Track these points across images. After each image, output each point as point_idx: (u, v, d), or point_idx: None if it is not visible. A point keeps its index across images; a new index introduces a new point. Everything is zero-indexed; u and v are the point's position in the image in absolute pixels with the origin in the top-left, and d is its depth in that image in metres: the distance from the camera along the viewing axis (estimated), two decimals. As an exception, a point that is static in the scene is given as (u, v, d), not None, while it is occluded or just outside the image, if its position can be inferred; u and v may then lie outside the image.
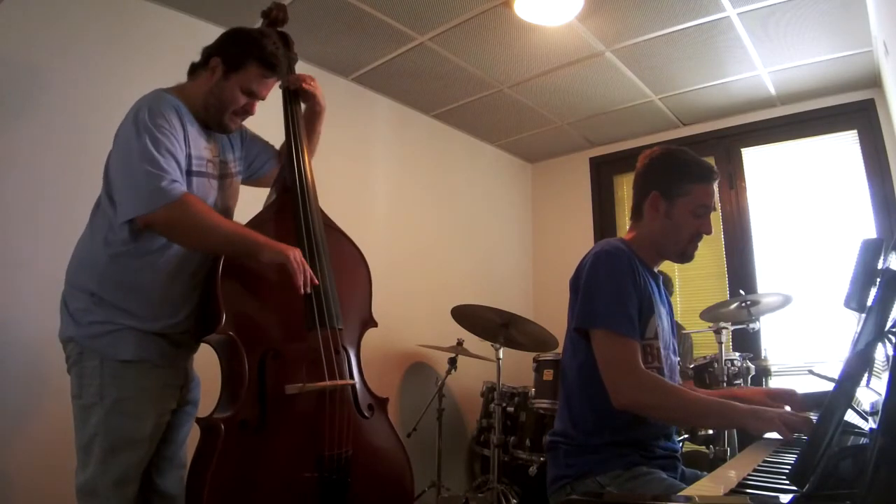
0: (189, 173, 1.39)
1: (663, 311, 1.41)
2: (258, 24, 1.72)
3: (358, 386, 1.55)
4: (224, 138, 1.58)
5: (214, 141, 1.53)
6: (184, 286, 1.43)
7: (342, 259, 1.59)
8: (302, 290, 1.39)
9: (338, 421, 1.42)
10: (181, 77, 1.52)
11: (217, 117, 1.48)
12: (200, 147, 1.45)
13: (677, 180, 1.37)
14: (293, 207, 1.54)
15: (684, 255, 1.41)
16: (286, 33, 1.69)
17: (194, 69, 1.50)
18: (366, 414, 1.54)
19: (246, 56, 1.45)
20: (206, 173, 1.46)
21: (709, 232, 1.39)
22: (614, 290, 1.26)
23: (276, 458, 1.34)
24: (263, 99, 1.54)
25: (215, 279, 1.38)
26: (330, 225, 1.64)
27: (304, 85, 1.68)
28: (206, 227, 1.32)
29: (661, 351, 1.33)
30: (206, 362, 1.53)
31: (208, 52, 1.48)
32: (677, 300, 3.48)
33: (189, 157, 1.39)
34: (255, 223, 1.48)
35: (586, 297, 1.28)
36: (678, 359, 1.47)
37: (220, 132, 1.54)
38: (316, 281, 1.45)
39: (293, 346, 1.44)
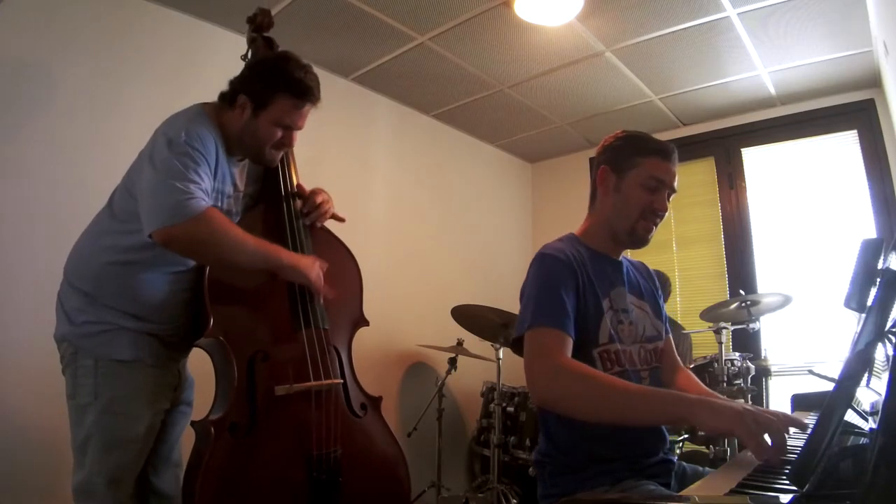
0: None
1: (628, 300, 1.32)
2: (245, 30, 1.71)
3: (349, 385, 1.55)
4: (250, 167, 1.56)
5: (241, 174, 1.52)
6: (181, 296, 1.43)
7: (329, 258, 1.58)
8: (332, 295, 1.48)
9: (325, 421, 1.42)
10: (179, 77, 1.52)
11: (256, 155, 1.46)
12: (226, 182, 1.44)
13: (628, 154, 1.31)
14: (276, 211, 1.54)
15: (634, 234, 1.29)
16: (271, 38, 1.68)
17: (223, 99, 1.45)
18: (358, 413, 1.54)
19: (272, 90, 1.39)
20: (227, 210, 1.45)
21: (662, 209, 1.29)
22: (543, 290, 1.19)
23: (267, 459, 1.34)
24: (300, 129, 1.49)
25: (203, 283, 1.38)
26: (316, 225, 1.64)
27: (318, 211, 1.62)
28: (229, 244, 1.29)
29: (624, 352, 1.24)
30: (202, 364, 1.53)
31: (234, 88, 1.44)
32: (677, 300, 3.49)
33: (214, 190, 1.38)
34: (244, 223, 1.46)
35: (521, 305, 1.23)
36: (659, 343, 1.35)
37: (260, 165, 1.52)
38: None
39: (281, 347, 1.44)
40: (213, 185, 1.36)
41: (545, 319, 1.14)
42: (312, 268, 1.42)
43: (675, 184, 1.32)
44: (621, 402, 1.01)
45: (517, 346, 1.18)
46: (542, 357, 1.10)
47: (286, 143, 1.47)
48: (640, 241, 1.31)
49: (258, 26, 1.67)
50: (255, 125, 1.41)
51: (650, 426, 1.02)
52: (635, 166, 1.29)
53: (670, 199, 1.32)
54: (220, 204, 1.41)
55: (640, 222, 1.29)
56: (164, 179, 1.24)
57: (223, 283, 1.40)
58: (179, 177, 1.24)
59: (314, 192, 1.62)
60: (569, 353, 1.12)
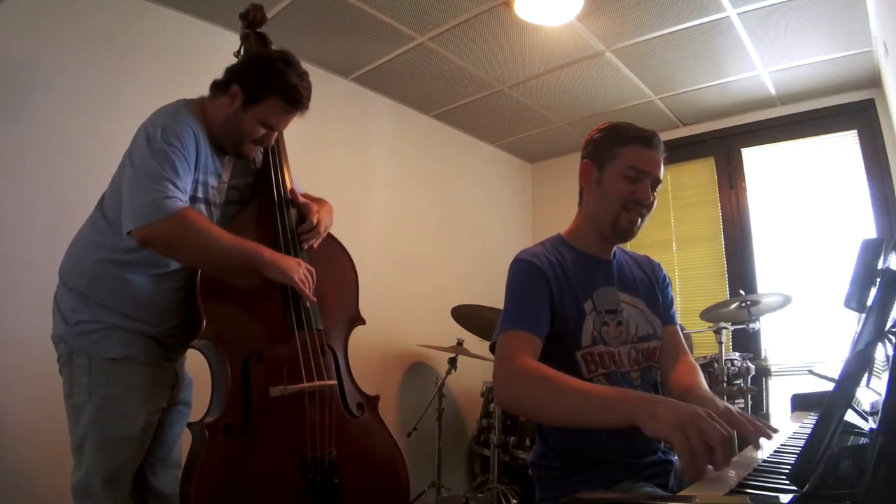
0: (193, 199, 1.38)
1: (619, 299, 1.27)
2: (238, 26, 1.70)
3: (345, 384, 1.54)
4: (239, 162, 1.55)
5: (227, 165, 1.51)
6: (173, 295, 1.42)
7: (324, 258, 1.57)
8: (312, 300, 1.46)
9: (320, 422, 1.42)
10: (178, 78, 1.51)
11: (234, 146, 1.46)
12: (209, 173, 1.43)
13: (607, 145, 1.26)
14: (270, 211, 1.53)
15: (618, 227, 1.24)
16: (264, 34, 1.68)
17: (216, 87, 1.46)
18: (355, 413, 1.54)
19: (267, 89, 1.40)
20: (210, 201, 1.45)
21: (645, 198, 1.23)
22: (513, 296, 1.18)
23: (262, 461, 1.34)
24: (281, 131, 1.51)
25: (195, 284, 1.37)
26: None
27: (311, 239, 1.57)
28: (204, 242, 1.29)
29: (610, 353, 1.20)
30: (201, 364, 1.53)
31: (229, 77, 1.44)
32: (677, 300, 3.49)
33: (195, 182, 1.38)
34: (234, 228, 1.44)
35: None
36: (653, 342, 1.29)
37: (236, 158, 1.52)
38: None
39: (275, 348, 1.43)
40: (193, 177, 1.36)
41: (511, 323, 1.13)
42: (296, 269, 1.41)
43: (660, 173, 1.26)
44: (575, 405, 0.95)
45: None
46: (502, 360, 1.09)
47: (265, 142, 1.49)
48: (624, 233, 1.26)
49: (251, 22, 1.66)
50: (242, 117, 1.41)
51: (605, 429, 0.92)
52: (615, 157, 1.24)
53: (656, 190, 1.27)
54: (202, 194, 1.41)
55: (623, 214, 1.24)
56: (140, 179, 1.25)
57: (215, 285, 1.39)
58: (155, 176, 1.25)
59: (311, 211, 1.58)
60: (534, 353, 1.10)
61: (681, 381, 1.25)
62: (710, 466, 0.75)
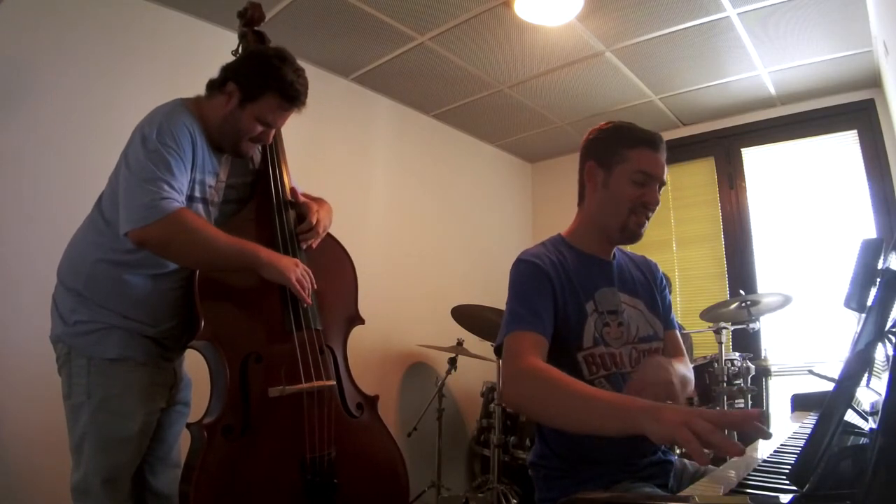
0: (191, 199, 1.37)
1: (619, 299, 1.27)
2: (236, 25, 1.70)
3: (345, 385, 1.54)
4: (237, 161, 1.54)
5: (224, 164, 1.50)
6: (171, 296, 1.42)
7: (323, 258, 1.57)
8: (308, 303, 1.44)
9: (319, 423, 1.41)
10: (177, 78, 1.51)
11: (232, 145, 1.46)
12: (207, 172, 1.43)
13: (614, 146, 1.25)
14: (268, 211, 1.53)
15: (626, 230, 1.25)
16: (262, 32, 1.68)
17: (212, 86, 1.45)
18: (354, 413, 1.53)
19: (263, 87, 1.39)
20: (208, 200, 1.44)
21: (653, 202, 1.23)
22: (517, 297, 1.18)
23: (261, 463, 1.33)
24: (279, 128, 1.51)
25: (193, 285, 1.37)
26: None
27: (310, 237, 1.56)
28: (200, 243, 1.28)
29: (611, 355, 1.20)
30: (201, 365, 1.53)
31: (225, 75, 1.43)
32: (677, 300, 3.49)
33: (192, 181, 1.37)
34: (232, 228, 1.43)
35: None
36: (655, 343, 1.29)
37: (235, 156, 1.51)
38: (315, 286, 1.46)
39: (275, 348, 1.42)
40: (190, 177, 1.35)
41: (517, 325, 1.13)
42: (293, 269, 1.40)
43: (665, 175, 1.26)
44: (577, 409, 0.93)
45: (500, 356, 1.17)
46: (508, 360, 1.09)
47: (263, 139, 1.48)
48: (632, 235, 1.26)
49: (249, 20, 1.66)
50: (239, 115, 1.41)
51: (607, 436, 0.88)
52: (623, 160, 1.24)
53: (661, 191, 1.27)
54: (199, 194, 1.41)
55: (631, 217, 1.24)
56: (136, 180, 1.25)
57: (214, 285, 1.39)
58: (151, 177, 1.24)
59: (311, 211, 1.57)
60: (541, 353, 1.09)
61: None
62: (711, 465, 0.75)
